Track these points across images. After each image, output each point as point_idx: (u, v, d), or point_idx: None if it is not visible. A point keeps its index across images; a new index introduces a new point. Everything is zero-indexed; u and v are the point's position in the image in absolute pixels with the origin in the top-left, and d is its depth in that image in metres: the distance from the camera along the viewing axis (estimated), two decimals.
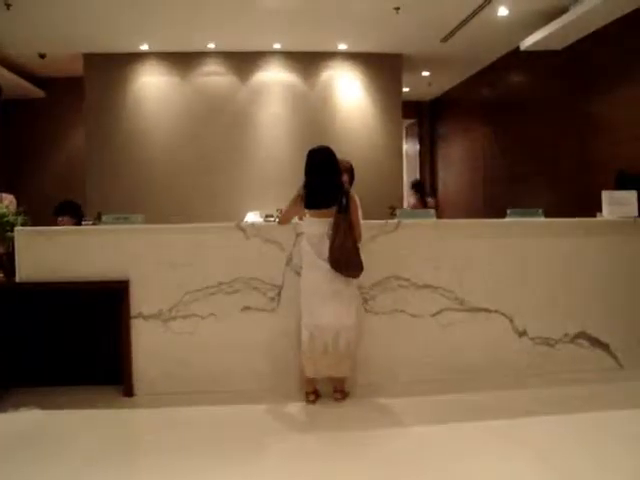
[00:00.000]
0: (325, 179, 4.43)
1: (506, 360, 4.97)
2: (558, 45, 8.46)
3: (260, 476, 3.38)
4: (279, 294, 4.77)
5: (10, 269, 4.73)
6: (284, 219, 4.73)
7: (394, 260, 4.86)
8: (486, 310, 4.97)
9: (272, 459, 3.60)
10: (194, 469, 3.45)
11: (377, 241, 4.83)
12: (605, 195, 5.26)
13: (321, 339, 4.37)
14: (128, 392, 4.67)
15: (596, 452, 3.58)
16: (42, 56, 10.05)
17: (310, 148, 4.56)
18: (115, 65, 10.23)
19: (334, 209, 4.36)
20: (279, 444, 3.81)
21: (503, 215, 5.31)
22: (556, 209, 6.44)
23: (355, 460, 3.55)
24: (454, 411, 4.27)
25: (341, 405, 4.42)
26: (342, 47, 10.31)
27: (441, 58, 10.64)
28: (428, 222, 5.11)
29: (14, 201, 5.72)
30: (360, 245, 4.42)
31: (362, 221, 4.52)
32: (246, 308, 4.76)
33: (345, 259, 4.32)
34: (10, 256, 4.73)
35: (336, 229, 4.32)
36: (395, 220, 4.95)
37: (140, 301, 4.70)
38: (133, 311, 4.69)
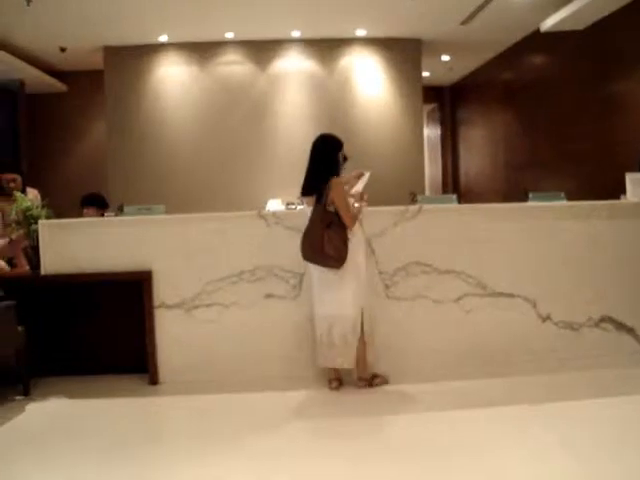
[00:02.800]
0: (311, 167, 4.49)
1: (530, 345, 4.93)
2: (579, 25, 8.32)
3: (277, 461, 3.40)
4: (301, 281, 4.78)
5: (35, 262, 4.80)
6: None
7: (416, 246, 4.85)
8: (509, 295, 4.94)
9: (292, 443, 3.62)
10: (219, 454, 3.48)
11: (399, 227, 4.81)
12: (629, 177, 5.20)
13: (318, 329, 4.43)
14: (153, 380, 4.73)
15: (622, 437, 3.55)
16: (63, 50, 10.11)
17: None
18: (135, 57, 10.27)
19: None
20: (300, 429, 3.86)
21: (525, 199, 5.27)
22: (579, 192, 6.38)
23: (375, 443, 3.57)
24: (478, 397, 4.26)
25: (363, 392, 4.42)
26: (360, 33, 10.25)
27: (461, 42, 10.54)
28: (450, 207, 5.09)
29: (38, 195, 5.80)
30: (350, 233, 4.35)
31: (367, 206, 4.54)
32: (268, 296, 4.79)
33: (309, 250, 4.36)
34: (35, 249, 4.80)
35: (310, 219, 4.40)
36: (416, 206, 4.93)
37: (163, 291, 4.74)
38: (156, 301, 4.74)
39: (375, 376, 4.49)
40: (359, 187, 4.53)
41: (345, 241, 4.31)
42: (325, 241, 4.29)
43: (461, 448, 3.48)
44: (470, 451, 3.43)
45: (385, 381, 4.49)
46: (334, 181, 4.34)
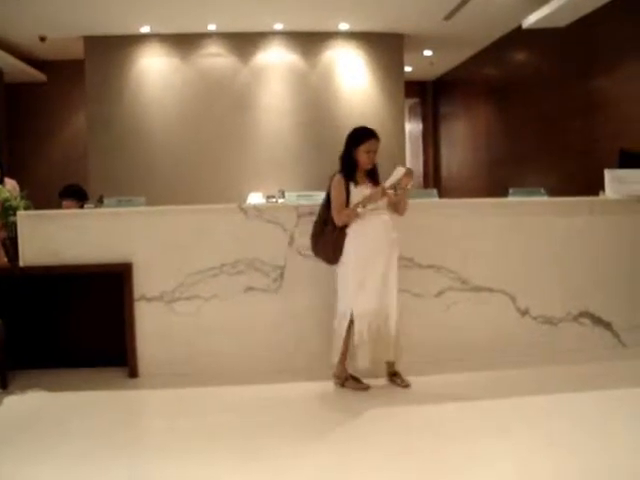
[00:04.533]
0: None
1: (509, 339, 4.97)
2: (561, 23, 8.37)
3: (259, 457, 3.40)
4: (282, 275, 4.78)
5: (14, 253, 4.75)
6: None
7: None
8: (489, 290, 4.97)
9: (273, 439, 3.61)
10: (198, 448, 3.47)
11: None
12: (608, 174, 5.24)
13: None
14: (133, 373, 4.71)
15: (600, 430, 3.59)
16: (42, 39, 10.00)
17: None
18: (116, 47, 10.19)
19: None
20: (279, 424, 3.83)
21: (506, 194, 5.30)
22: (560, 188, 6.43)
23: (355, 440, 3.57)
24: (457, 391, 4.29)
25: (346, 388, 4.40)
26: (343, 27, 10.24)
27: (443, 37, 10.56)
28: (430, 202, 5.11)
29: (17, 186, 5.73)
30: (349, 230, 4.29)
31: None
32: (249, 289, 4.78)
33: (310, 243, 4.46)
34: (14, 240, 4.74)
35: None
36: None
37: (143, 283, 4.72)
38: (136, 293, 4.71)
39: (353, 378, 4.37)
40: (387, 182, 4.33)
41: (336, 239, 4.29)
42: (318, 236, 4.38)
43: (443, 443, 3.49)
44: (454, 445, 3.44)
45: (361, 387, 4.33)
46: (334, 178, 4.35)
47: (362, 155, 4.33)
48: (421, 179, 14.51)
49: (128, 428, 3.92)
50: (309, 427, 3.78)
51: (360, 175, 4.36)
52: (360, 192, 4.30)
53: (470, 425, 3.71)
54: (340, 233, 4.30)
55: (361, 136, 4.37)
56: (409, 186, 4.38)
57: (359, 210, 4.27)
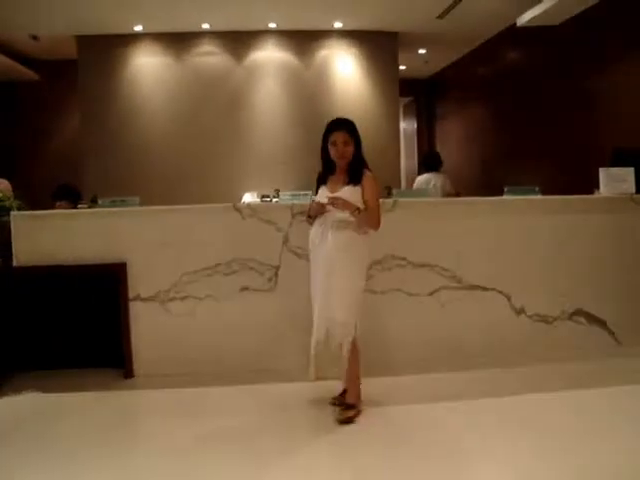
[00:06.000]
0: None
1: (504, 338, 4.98)
2: (555, 21, 8.38)
3: (255, 456, 3.40)
4: (276, 274, 4.78)
5: (7, 254, 4.73)
6: None
7: (391, 239, 4.83)
8: (484, 288, 4.98)
9: (272, 440, 3.61)
10: (194, 449, 3.47)
11: None
12: (602, 172, 5.25)
13: None
14: (128, 374, 4.70)
15: (597, 427, 3.61)
16: (35, 38, 9.95)
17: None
18: (109, 47, 10.15)
19: None
20: (276, 424, 3.83)
21: (501, 193, 5.30)
22: (554, 186, 6.42)
23: (355, 435, 3.57)
24: (453, 389, 4.29)
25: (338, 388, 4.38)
26: (338, 25, 10.22)
27: (438, 35, 10.56)
28: (425, 201, 5.11)
29: (9, 186, 5.71)
30: None
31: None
32: (244, 289, 4.77)
33: None
34: (7, 241, 4.72)
35: None
36: (391, 199, 4.93)
37: (138, 283, 4.70)
38: (131, 293, 4.70)
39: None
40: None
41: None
42: None
43: (439, 440, 3.50)
44: (448, 443, 3.45)
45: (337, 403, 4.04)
46: None
47: (330, 148, 3.94)
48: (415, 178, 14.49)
49: (123, 429, 3.91)
50: (306, 428, 3.78)
51: (337, 174, 4.00)
52: (322, 195, 3.97)
53: (465, 423, 3.71)
54: None
55: (327, 128, 3.99)
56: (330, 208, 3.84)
57: (306, 219, 4.10)
